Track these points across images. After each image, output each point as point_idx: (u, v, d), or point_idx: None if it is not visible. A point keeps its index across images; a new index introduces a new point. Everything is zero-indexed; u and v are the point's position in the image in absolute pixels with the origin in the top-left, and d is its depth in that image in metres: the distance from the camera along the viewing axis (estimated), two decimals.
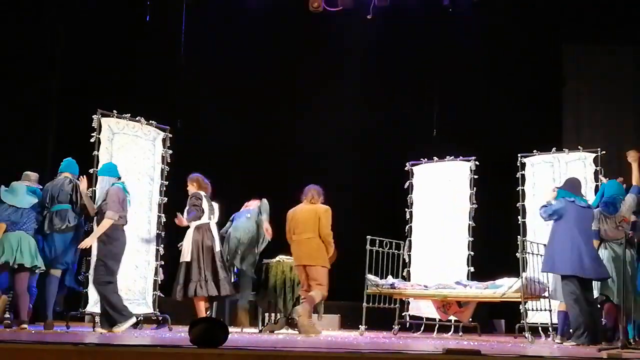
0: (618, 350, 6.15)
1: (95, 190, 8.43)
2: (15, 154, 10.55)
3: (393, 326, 9.53)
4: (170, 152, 9.29)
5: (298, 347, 5.74)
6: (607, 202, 8.04)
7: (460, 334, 9.61)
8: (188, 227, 8.68)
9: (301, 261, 8.57)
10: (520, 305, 8.52)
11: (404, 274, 10.02)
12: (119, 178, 8.10)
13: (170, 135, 9.34)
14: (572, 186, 8.05)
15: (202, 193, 8.79)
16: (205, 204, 8.73)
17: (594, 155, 9.64)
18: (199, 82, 12.24)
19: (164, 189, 9.23)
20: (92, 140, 8.56)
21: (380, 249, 9.48)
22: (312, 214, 8.63)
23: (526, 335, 8.34)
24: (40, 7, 11.25)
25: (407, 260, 10.15)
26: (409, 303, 10.05)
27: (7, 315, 8.24)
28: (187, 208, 8.67)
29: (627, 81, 11.34)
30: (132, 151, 8.90)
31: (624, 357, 5.46)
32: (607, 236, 8.03)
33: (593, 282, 7.84)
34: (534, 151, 9.97)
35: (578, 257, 7.59)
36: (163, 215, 9.15)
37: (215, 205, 8.90)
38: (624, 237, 7.76)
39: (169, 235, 9.27)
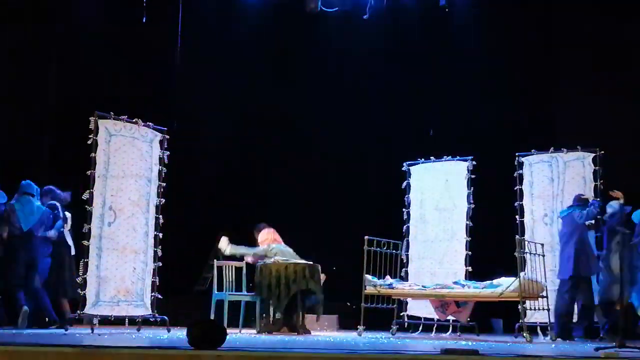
0: (615, 350, 6.16)
1: (92, 192, 8.45)
2: (12, 156, 10.55)
3: (391, 326, 9.53)
4: (168, 153, 9.29)
5: (296, 348, 5.74)
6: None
7: (458, 334, 9.61)
8: None
9: None
10: (519, 305, 8.53)
11: (402, 274, 10.02)
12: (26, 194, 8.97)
13: (168, 137, 9.33)
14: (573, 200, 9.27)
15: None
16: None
17: (592, 155, 9.66)
18: (196, 83, 12.23)
19: (162, 190, 9.23)
20: (89, 142, 8.56)
21: (378, 249, 9.47)
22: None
23: (524, 334, 8.35)
24: (37, 10, 11.23)
25: (404, 261, 10.16)
26: (407, 303, 10.05)
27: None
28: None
29: (626, 78, 11.27)
30: (129, 153, 8.88)
31: (620, 357, 5.47)
32: None
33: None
34: (532, 150, 9.98)
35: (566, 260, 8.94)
36: (160, 216, 9.14)
37: (68, 215, 9.55)
38: None
39: (167, 237, 9.27)
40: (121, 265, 8.64)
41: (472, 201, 9.95)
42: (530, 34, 11.94)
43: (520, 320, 8.58)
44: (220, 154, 12.29)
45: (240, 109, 12.45)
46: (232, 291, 9.55)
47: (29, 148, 10.84)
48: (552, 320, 8.98)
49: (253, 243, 9.82)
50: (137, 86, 11.58)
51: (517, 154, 9.98)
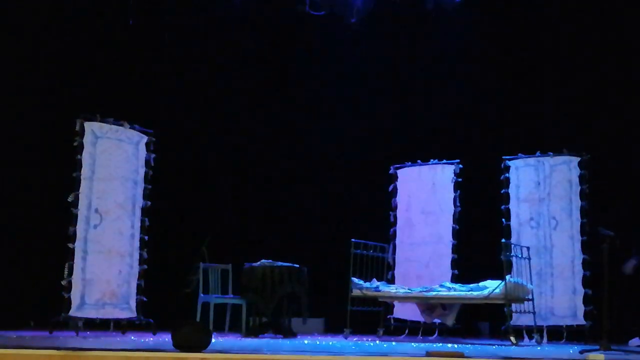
0: (600, 352, 6.18)
1: (78, 194, 8.43)
2: None
3: (377, 329, 9.53)
4: (154, 155, 9.27)
5: (283, 351, 5.74)
6: None
7: (444, 336, 9.62)
8: None
9: None
10: (505, 308, 8.55)
11: (389, 277, 10.03)
12: None
13: (154, 139, 9.31)
14: None
15: None
16: None
17: (579, 158, 9.69)
18: (183, 86, 12.19)
19: (148, 192, 9.20)
20: (75, 144, 8.53)
21: (365, 252, 9.48)
22: None
23: (510, 337, 8.36)
24: (22, 11, 11.16)
25: (391, 264, 10.17)
26: (393, 306, 10.06)
27: None
28: None
29: (613, 82, 11.30)
30: (115, 155, 8.87)
31: None
32: None
33: None
34: (518, 154, 10.00)
35: None
36: (147, 219, 9.12)
37: None
38: None
39: (153, 239, 9.25)
40: (107, 268, 8.62)
41: (458, 204, 9.97)
42: (516, 37, 11.96)
43: (506, 323, 8.60)
44: (207, 156, 12.26)
45: (228, 112, 12.42)
46: (218, 294, 9.53)
47: (14, 149, 10.75)
48: (538, 323, 9.00)
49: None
50: (124, 88, 11.52)
51: (503, 158, 10.00)
